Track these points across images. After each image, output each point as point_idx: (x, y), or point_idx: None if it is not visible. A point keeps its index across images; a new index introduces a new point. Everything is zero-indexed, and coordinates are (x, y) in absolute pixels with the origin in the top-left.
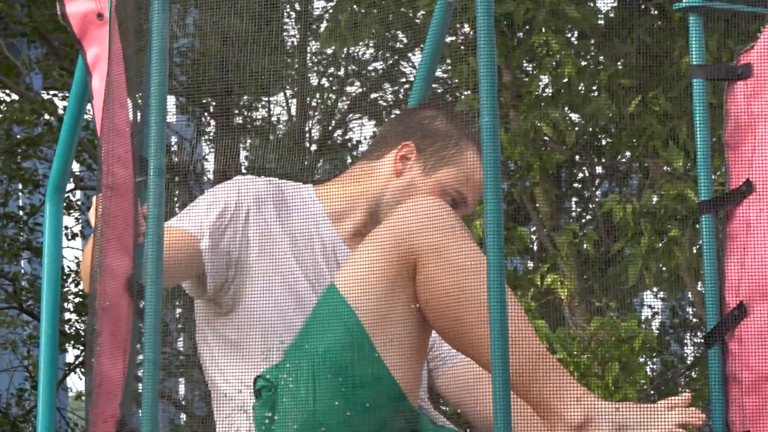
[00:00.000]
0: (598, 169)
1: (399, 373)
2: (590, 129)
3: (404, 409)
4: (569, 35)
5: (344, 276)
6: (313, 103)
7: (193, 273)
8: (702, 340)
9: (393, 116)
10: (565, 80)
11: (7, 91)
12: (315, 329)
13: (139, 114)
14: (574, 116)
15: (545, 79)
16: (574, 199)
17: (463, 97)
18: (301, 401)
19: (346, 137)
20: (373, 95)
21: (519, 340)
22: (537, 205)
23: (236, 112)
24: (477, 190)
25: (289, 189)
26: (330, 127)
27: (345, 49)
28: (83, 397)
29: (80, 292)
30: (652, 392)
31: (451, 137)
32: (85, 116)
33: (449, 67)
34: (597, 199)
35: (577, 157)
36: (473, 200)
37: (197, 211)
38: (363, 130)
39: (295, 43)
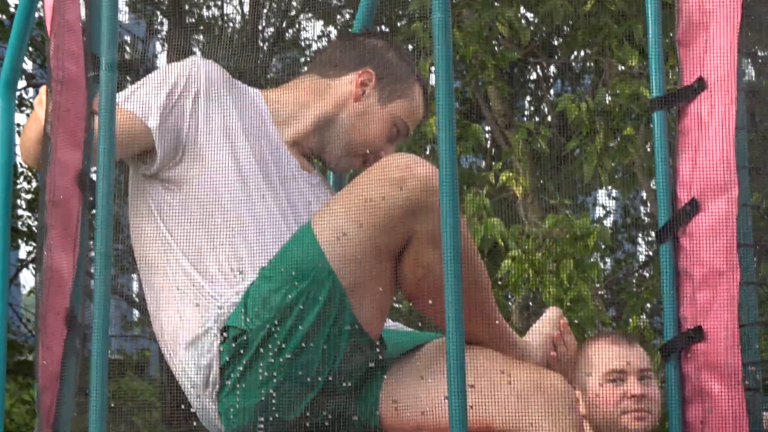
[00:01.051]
0: (552, 69)
1: (371, 328)
2: (545, 28)
3: (372, 356)
4: None
5: (324, 225)
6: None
7: (137, 151)
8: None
9: (341, 38)
10: None
11: None
12: (289, 275)
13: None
14: (529, 15)
15: None
16: (527, 98)
17: None
18: (276, 348)
19: (300, 36)
20: None
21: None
22: (490, 103)
23: (187, 8)
24: (415, 124)
25: (238, 83)
26: (283, 25)
27: None
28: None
29: (32, 189)
30: (604, 291)
31: (402, 70)
32: (37, 14)
33: None
34: (550, 98)
35: (531, 59)
36: (410, 133)
37: (147, 89)
38: (314, 29)
39: None
